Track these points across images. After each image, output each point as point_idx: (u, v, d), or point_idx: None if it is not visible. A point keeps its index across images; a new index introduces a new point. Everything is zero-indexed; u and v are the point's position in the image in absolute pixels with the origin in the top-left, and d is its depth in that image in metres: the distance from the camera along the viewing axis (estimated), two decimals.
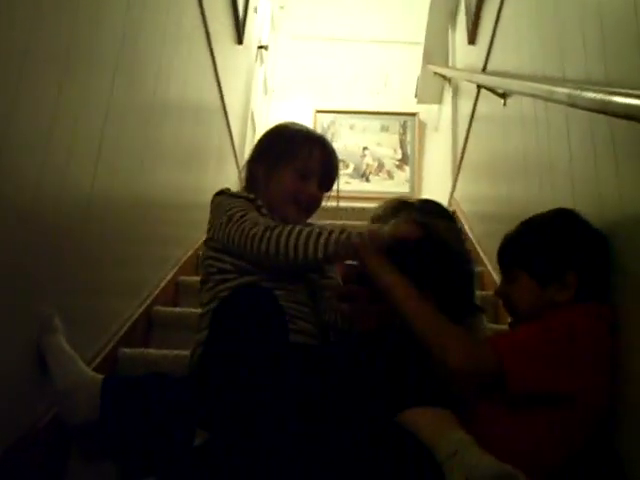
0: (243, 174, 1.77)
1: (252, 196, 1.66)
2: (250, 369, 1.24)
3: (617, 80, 1.40)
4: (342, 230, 1.47)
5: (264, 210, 1.64)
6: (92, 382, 1.43)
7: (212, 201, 1.69)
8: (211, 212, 1.67)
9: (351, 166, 6.14)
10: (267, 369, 1.25)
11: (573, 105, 1.43)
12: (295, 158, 1.67)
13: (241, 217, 1.55)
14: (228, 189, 1.71)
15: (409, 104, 6.08)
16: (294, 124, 1.78)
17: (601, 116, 1.36)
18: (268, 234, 1.48)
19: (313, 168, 1.67)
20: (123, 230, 2.07)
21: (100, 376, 1.45)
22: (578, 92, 1.38)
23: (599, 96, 1.26)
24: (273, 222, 1.55)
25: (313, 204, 1.71)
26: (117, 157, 1.84)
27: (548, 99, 1.63)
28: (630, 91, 1.16)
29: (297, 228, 1.48)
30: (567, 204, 1.76)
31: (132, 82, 1.98)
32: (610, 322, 1.32)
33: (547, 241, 1.44)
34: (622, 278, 1.35)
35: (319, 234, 1.46)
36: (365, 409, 1.29)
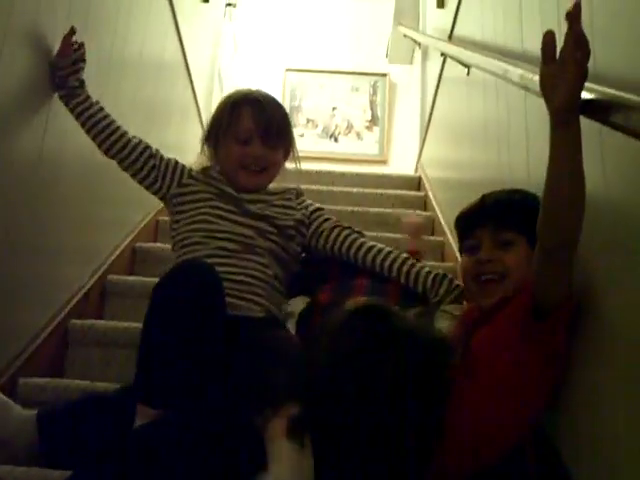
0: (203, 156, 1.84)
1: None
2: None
3: None
4: None
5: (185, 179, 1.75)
6: (28, 424, 1.41)
7: None
8: None
9: (320, 126, 6.07)
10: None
11: (524, 88, 1.41)
12: (229, 127, 1.72)
13: None
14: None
15: (380, 64, 6.00)
16: (225, 97, 1.84)
17: None
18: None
19: (248, 128, 1.71)
20: (76, 192, 2.03)
21: (33, 413, 1.43)
22: (530, 75, 1.36)
23: None
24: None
25: (262, 163, 1.73)
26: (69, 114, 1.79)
27: (503, 78, 1.61)
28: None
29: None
30: (522, 178, 1.75)
31: (86, 38, 1.92)
32: None
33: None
34: None
35: None
36: None
